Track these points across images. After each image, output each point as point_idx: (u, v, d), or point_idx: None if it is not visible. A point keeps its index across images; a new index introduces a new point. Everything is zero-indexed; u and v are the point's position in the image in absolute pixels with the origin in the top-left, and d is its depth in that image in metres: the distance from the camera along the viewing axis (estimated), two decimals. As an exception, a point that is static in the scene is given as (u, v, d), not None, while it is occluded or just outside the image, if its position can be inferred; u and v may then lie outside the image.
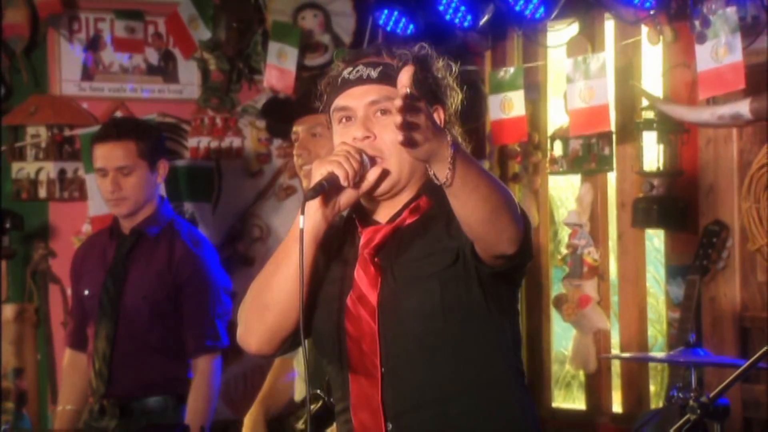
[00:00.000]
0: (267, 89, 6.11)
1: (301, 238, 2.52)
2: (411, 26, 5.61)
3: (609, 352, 5.49)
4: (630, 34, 5.22)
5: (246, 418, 4.01)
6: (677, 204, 5.08)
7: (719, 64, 4.57)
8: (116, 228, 4.71)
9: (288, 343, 2.67)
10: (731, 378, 3.29)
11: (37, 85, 6.17)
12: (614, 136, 5.33)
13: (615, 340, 5.54)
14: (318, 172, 2.51)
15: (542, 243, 5.77)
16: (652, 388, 5.55)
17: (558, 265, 5.74)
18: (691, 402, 3.34)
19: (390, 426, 2.58)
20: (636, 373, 5.35)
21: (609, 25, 5.39)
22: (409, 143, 2.30)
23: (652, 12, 4.92)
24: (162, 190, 4.88)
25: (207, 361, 4.57)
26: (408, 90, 2.27)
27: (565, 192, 6.42)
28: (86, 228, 6.05)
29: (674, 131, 5.05)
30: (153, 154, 4.63)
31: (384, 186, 2.60)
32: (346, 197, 2.58)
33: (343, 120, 2.63)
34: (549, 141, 5.62)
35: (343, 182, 2.51)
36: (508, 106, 5.50)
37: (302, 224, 2.51)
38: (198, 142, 6.29)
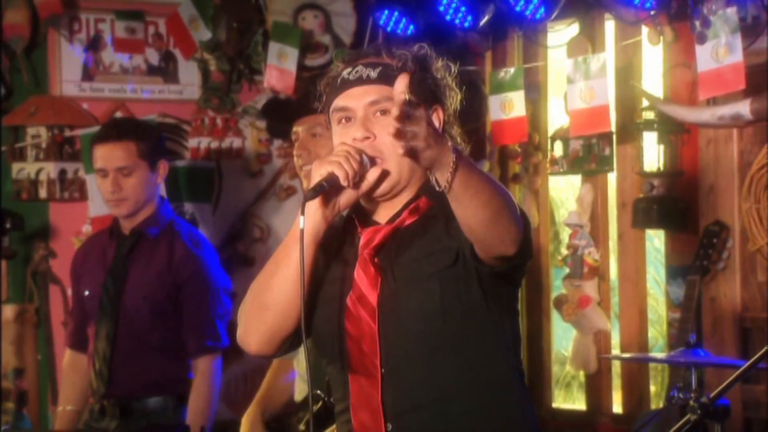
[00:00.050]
0: (267, 90, 6.11)
1: (302, 239, 2.52)
2: (411, 27, 5.60)
3: (609, 353, 5.49)
4: (630, 34, 5.22)
5: (243, 419, 4.02)
6: (677, 204, 5.08)
7: (719, 64, 4.57)
8: (116, 228, 4.71)
9: (288, 344, 2.67)
10: (731, 378, 3.29)
11: (37, 86, 6.17)
12: (614, 137, 5.33)
13: (615, 340, 5.54)
14: (318, 173, 2.51)
15: (543, 243, 5.77)
16: (652, 388, 5.55)
17: (558, 266, 5.74)
18: (691, 402, 3.35)
19: (390, 426, 2.58)
20: (636, 374, 5.35)
21: (609, 26, 5.39)
22: (410, 153, 2.30)
23: (652, 12, 4.92)
24: (162, 191, 4.88)
25: (207, 361, 4.57)
26: (405, 96, 2.27)
27: (565, 192, 6.42)
28: (86, 228, 6.06)
29: (674, 132, 5.05)
30: (153, 155, 4.63)
31: (384, 186, 2.60)
32: (346, 197, 2.58)
33: (343, 120, 2.63)
34: (549, 141, 5.62)
35: (343, 182, 2.51)
36: (508, 106, 5.50)
37: (302, 224, 2.51)
38: (198, 143, 6.29)
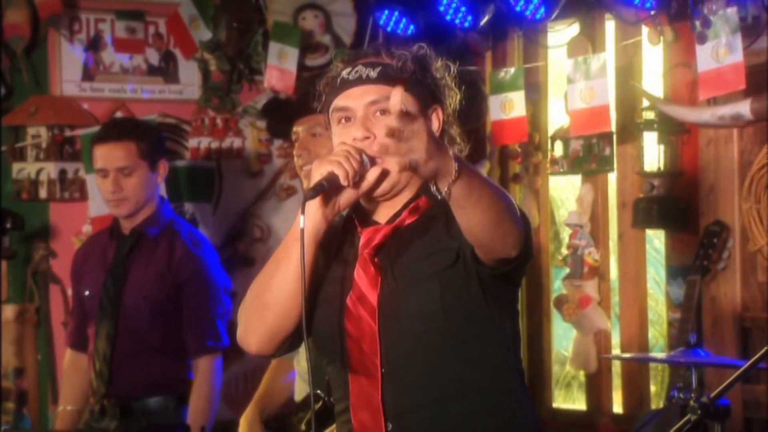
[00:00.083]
0: (267, 90, 6.12)
1: (302, 238, 2.52)
2: (411, 27, 5.60)
3: (609, 353, 5.49)
4: (630, 34, 5.22)
5: (242, 419, 4.01)
6: (678, 204, 5.08)
7: (720, 64, 4.57)
8: (116, 228, 4.71)
9: (288, 343, 2.67)
10: (732, 378, 3.29)
11: (37, 86, 6.17)
12: (615, 137, 5.33)
13: (615, 340, 5.54)
14: (318, 172, 2.51)
15: (543, 243, 5.77)
16: (652, 388, 5.55)
17: (558, 266, 5.74)
18: (691, 402, 3.35)
19: (390, 426, 2.58)
20: (636, 374, 5.35)
21: (609, 26, 5.39)
22: (410, 168, 2.30)
23: (652, 12, 4.92)
24: (162, 191, 4.88)
25: (208, 361, 4.57)
26: (402, 107, 2.27)
27: (565, 192, 6.42)
28: (87, 228, 6.06)
29: (675, 132, 5.05)
30: (153, 155, 4.63)
31: (384, 186, 2.60)
32: (346, 197, 2.58)
33: (343, 120, 2.63)
34: (549, 141, 5.62)
35: (343, 182, 2.51)
36: (508, 106, 5.50)
37: (302, 224, 2.51)
38: (198, 143, 6.29)
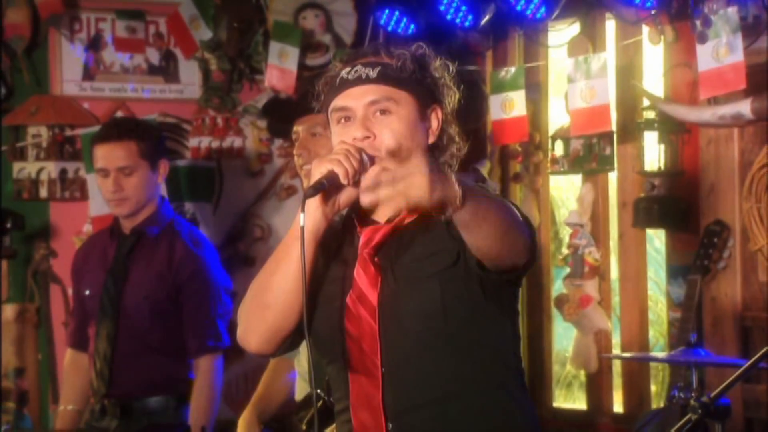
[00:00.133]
0: (268, 89, 6.11)
1: (302, 236, 2.52)
2: (412, 26, 5.61)
3: (610, 352, 5.49)
4: (631, 33, 5.22)
5: (240, 421, 4.00)
6: (678, 204, 5.07)
7: (720, 63, 4.57)
8: (117, 228, 4.71)
9: (288, 342, 2.67)
10: (732, 378, 3.29)
11: (38, 85, 6.17)
12: (615, 136, 5.32)
13: (616, 339, 5.54)
14: (318, 171, 2.51)
15: (543, 243, 5.77)
16: (653, 388, 5.55)
17: (559, 265, 5.74)
18: (692, 402, 3.35)
19: (390, 426, 2.58)
20: (637, 373, 5.35)
21: (610, 25, 5.39)
22: (417, 205, 2.30)
23: (653, 12, 4.92)
24: (163, 190, 4.88)
25: (209, 361, 4.57)
26: (393, 146, 2.29)
27: (566, 192, 6.42)
28: (87, 228, 6.06)
29: (675, 131, 5.05)
30: (154, 154, 4.63)
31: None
32: (345, 196, 2.57)
33: (342, 120, 2.63)
34: (550, 141, 5.62)
35: (343, 180, 2.51)
36: (509, 105, 5.50)
37: (303, 222, 2.51)
38: (199, 142, 6.29)
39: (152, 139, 4.67)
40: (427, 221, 2.63)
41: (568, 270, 5.58)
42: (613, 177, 5.47)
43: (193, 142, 6.29)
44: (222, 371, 4.62)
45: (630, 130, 5.27)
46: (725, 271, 4.85)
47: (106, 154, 4.59)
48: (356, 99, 2.60)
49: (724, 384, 3.29)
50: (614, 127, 5.27)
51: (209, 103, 6.29)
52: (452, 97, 2.69)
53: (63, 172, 6.14)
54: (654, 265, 5.65)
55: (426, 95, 2.64)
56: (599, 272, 5.49)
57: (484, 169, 5.58)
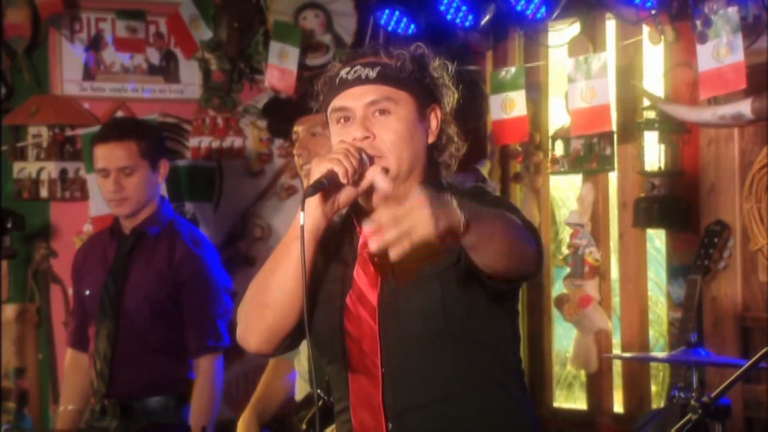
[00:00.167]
0: (268, 89, 6.11)
1: (302, 235, 2.51)
2: (412, 26, 5.61)
3: (610, 352, 5.48)
4: (631, 33, 5.22)
5: (239, 422, 4.00)
6: (678, 204, 5.07)
7: (720, 63, 4.57)
8: (117, 228, 4.71)
9: (288, 342, 2.67)
10: (732, 378, 3.29)
11: (38, 85, 6.17)
12: (615, 136, 5.32)
13: (616, 339, 5.54)
14: (317, 170, 2.51)
15: (543, 243, 5.76)
16: (653, 388, 5.54)
17: (559, 265, 5.74)
18: (692, 402, 3.35)
19: (390, 426, 2.58)
20: (637, 373, 5.34)
21: (610, 25, 5.39)
22: (423, 241, 2.31)
23: (653, 12, 4.92)
24: (163, 190, 4.88)
25: (209, 361, 4.57)
26: (388, 189, 2.36)
27: (566, 192, 6.42)
28: (87, 228, 6.06)
29: (675, 131, 5.05)
30: (154, 154, 4.62)
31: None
32: (345, 195, 2.57)
33: (342, 120, 2.63)
34: (550, 141, 5.62)
35: (343, 180, 2.51)
36: (509, 105, 5.50)
37: (302, 221, 2.51)
38: (199, 142, 6.29)
39: (152, 139, 4.67)
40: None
41: (568, 270, 5.57)
42: (613, 177, 5.47)
43: (193, 142, 6.29)
44: (222, 371, 4.62)
45: (630, 130, 5.27)
46: (725, 271, 4.85)
47: (107, 154, 4.59)
48: (356, 99, 2.60)
49: (725, 384, 3.29)
50: (614, 127, 5.27)
51: (209, 103, 6.29)
52: (451, 97, 2.69)
53: (63, 172, 6.14)
54: (654, 265, 5.65)
55: (425, 95, 2.64)
56: (599, 272, 5.48)
57: (484, 169, 5.59)
